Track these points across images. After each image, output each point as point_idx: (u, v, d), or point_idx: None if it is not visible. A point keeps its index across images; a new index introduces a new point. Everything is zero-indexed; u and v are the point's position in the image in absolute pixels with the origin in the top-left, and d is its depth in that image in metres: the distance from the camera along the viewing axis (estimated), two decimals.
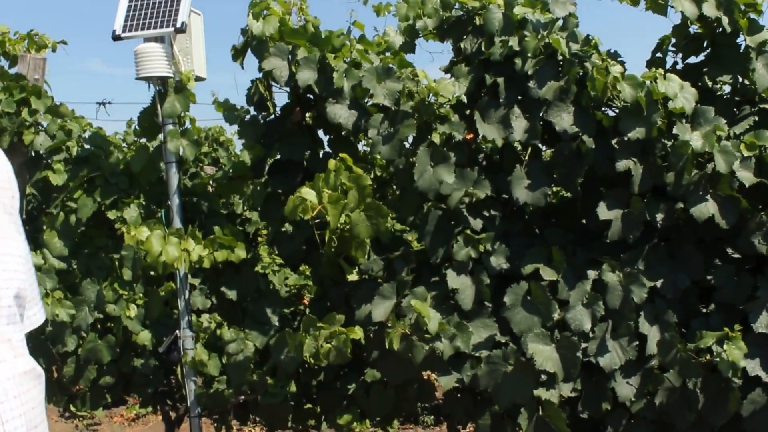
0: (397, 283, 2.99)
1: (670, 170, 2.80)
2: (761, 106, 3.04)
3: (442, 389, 3.01)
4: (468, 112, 3.12)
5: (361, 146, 3.81)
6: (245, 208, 4.01)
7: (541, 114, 2.93)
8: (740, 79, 3.04)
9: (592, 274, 2.88)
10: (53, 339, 3.41)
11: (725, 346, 2.62)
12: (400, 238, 3.25)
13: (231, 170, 3.36)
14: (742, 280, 2.83)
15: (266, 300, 3.31)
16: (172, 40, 3.26)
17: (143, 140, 4.02)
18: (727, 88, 3.18)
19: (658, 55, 3.28)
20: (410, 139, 3.04)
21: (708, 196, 2.77)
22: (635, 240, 2.87)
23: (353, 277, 3.08)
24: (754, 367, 2.71)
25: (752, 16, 2.95)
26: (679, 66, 3.22)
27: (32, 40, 3.89)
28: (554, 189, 3.43)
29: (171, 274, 3.31)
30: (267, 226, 3.55)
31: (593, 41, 3.03)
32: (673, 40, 3.22)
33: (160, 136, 3.36)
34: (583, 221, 3.15)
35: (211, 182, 3.62)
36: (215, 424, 3.61)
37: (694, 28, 3.14)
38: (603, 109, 3.00)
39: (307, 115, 3.32)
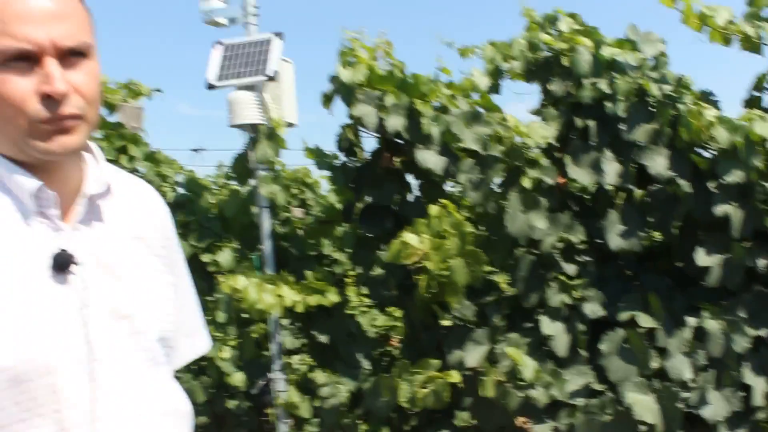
0: (489, 328, 2.98)
1: None
2: None
3: None
4: (558, 155, 3.10)
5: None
6: (333, 249, 4.06)
7: (632, 156, 2.89)
8: None
9: (692, 321, 2.81)
10: None
11: None
12: (491, 283, 3.24)
13: (322, 214, 3.42)
14: None
15: (357, 343, 3.34)
16: (263, 88, 3.35)
17: (233, 182, 4.12)
18: None
19: (755, 93, 3.20)
20: (498, 182, 3.04)
21: None
22: (737, 286, 2.79)
23: (445, 321, 3.08)
24: None
25: None
26: None
27: (131, 89, 4.06)
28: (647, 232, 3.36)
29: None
30: (356, 267, 3.59)
31: (685, 81, 2.98)
32: None
33: (252, 181, 3.45)
34: (679, 264, 3.08)
35: (301, 226, 3.68)
36: None
37: None
38: (698, 149, 2.94)
39: (396, 159, 3.35)
